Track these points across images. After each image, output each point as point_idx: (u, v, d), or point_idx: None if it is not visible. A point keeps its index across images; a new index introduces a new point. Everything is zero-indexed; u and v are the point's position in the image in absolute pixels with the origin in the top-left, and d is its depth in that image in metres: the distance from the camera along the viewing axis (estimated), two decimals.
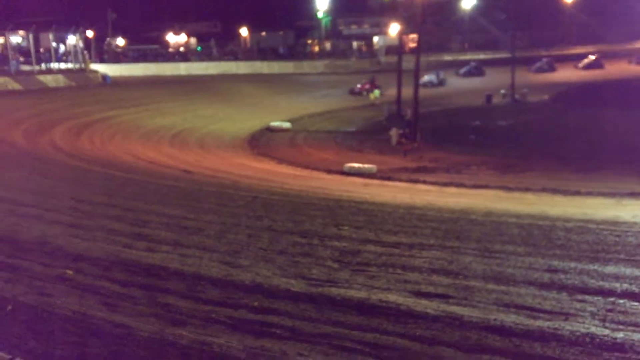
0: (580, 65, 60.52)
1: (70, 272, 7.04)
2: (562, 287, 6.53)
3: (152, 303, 6.08)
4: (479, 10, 76.52)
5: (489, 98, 43.20)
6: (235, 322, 5.60)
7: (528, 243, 8.71)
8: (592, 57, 60.87)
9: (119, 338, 5.20)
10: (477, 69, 59.83)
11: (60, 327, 5.41)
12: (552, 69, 59.82)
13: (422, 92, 36.43)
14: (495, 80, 51.02)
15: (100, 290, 6.46)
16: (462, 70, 59.37)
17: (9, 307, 5.81)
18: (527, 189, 16.31)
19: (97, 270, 7.21)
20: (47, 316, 5.66)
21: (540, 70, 59.66)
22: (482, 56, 66.23)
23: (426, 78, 50.95)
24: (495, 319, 5.59)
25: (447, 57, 66.80)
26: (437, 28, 72.87)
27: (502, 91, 44.69)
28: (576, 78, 52.77)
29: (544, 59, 61.34)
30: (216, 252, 8.11)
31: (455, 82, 54.53)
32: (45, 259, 7.63)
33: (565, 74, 56.70)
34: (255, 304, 6.08)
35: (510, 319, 5.62)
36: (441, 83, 52.34)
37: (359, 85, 49.08)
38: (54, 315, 5.67)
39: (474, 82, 54.76)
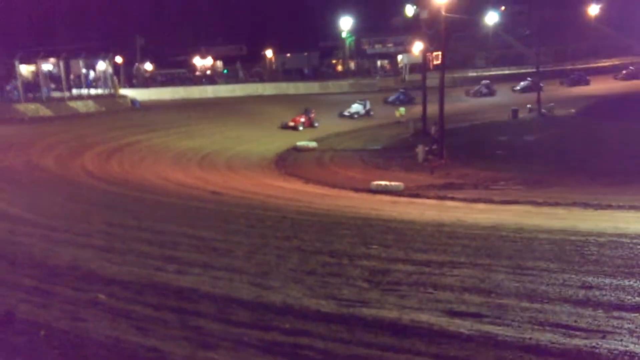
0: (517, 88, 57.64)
1: (102, 296, 7.09)
2: (597, 304, 6.40)
3: (184, 326, 6.10)
4: (503, 26, 76.39)
5: (515, 113, 42.84)
6: (267, 344, 5.58)
7: (561, 259, 8.58)
8: (528, 80, 57.82)
9: None
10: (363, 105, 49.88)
11: (93, 352, 5.45)
12: (492, 93, 55.63)
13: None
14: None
15: (132, 314, 6.50)
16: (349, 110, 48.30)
17: (42, 333, 5.87)
18: (556, 204, 16.08)
19: (129, 293, 7.27)
20: (80, 341, 5.69)
21: (478, 93, 56.03)
22: (506, 71, 65.83)
23: (353, 108, 46.17)
24: (530, 338, 5.49)
25: (472, 74, 66.55)
26: (461, 44, 72.78)
27: (529, 106, 44.35)
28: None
29: (485, 82, 57.94)
30: (246, 274, 8.13)
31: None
32: (78, 284, 7.70)
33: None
34: (287, 325, 6.06)
35: (545, 337, 5.51)
36: (367, 113, 46.81)
37: (298, 117, 41.48)
38: (87, 340, 5.70)
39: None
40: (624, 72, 61.05)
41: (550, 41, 63.62)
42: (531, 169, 24.60)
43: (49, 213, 13.72)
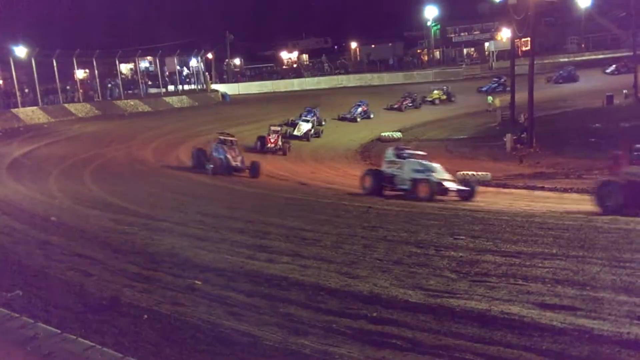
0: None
1: (198, 282, 7.45)
2: None
3: (275, 313, 6.32)
4: (597, 9, 72.58)
5: (610, 99, 40.73)
6: (356, 332, 5.70)
7: None
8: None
9: (246, 346, 5.45)
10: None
11: (191, 335, 5.75)
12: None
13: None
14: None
15: (227, 300, 6.79)
16: None
17: (145, 316, 6.26)
18: None
19: (223, 280, 7.59)
20: (179, 325, 6.03)
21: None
22: (600, 56, 62.54)
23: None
24: (628, 333, 5.32)
25: (563, 59, 63.75)
26: (552, 29, 69.85)
27: (625, 91, 42.07)
28: None
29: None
30: (334, 263, 8.28)
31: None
32: (176, 270, 8.13)
33: None
34: (374, 314, 6.15)
35: None
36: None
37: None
38: (185, 324, 6.04)
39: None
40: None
41: None
42: None
43: (148, 203, 14.45)
